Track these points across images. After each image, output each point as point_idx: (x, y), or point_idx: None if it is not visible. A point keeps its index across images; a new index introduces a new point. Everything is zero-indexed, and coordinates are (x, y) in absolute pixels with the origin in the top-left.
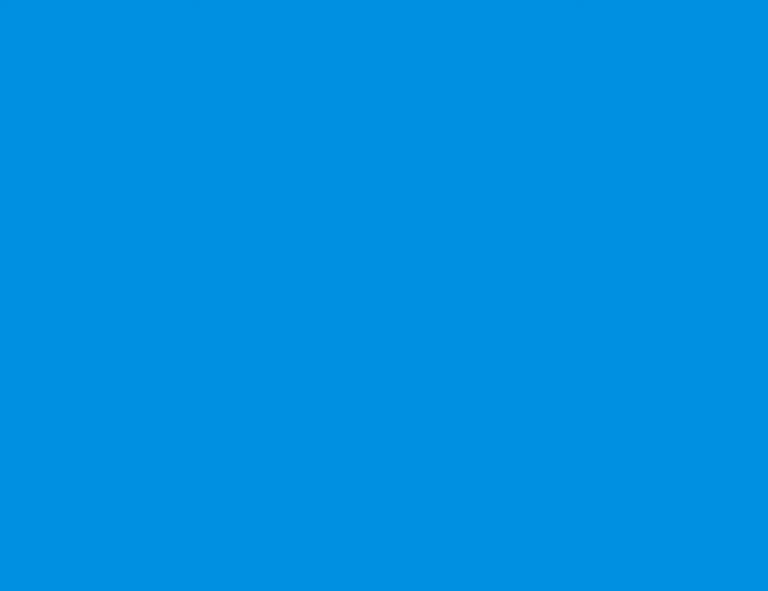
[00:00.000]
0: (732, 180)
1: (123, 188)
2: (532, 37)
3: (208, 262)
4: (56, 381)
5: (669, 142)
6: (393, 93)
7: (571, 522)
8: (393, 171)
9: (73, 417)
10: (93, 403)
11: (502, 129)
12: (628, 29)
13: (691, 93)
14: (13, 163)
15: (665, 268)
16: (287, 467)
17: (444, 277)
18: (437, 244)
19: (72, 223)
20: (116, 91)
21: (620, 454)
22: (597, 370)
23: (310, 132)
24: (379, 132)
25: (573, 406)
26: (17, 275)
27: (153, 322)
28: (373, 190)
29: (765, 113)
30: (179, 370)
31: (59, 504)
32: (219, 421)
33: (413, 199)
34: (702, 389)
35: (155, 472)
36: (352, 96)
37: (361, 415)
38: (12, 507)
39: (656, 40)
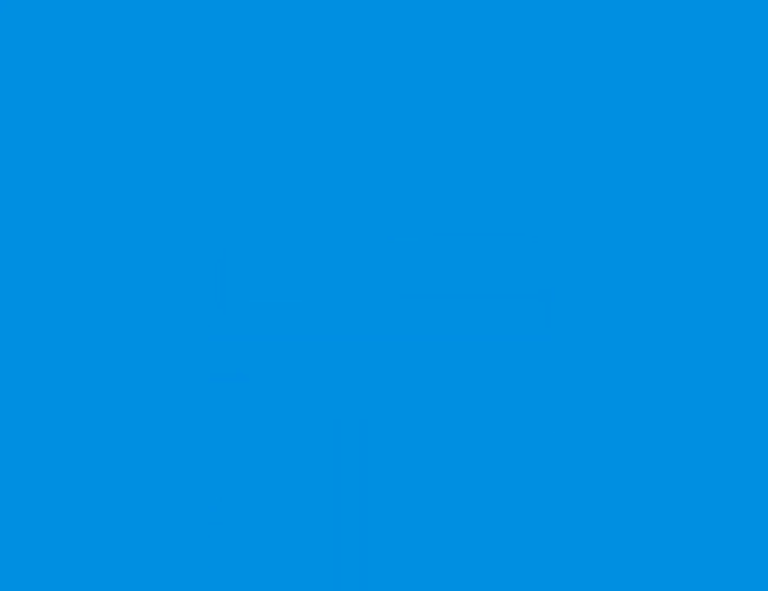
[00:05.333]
0: (732, 181)
1: (122, 187)
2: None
3: (207, 262)
4: (55, 380)
5: (669, 142)
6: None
7: (571, 523)
8: (392, 171)
9: (72, 417)
10: (92, 403)
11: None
12: (628, 29)
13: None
14: (12, 163)
15: (665, 269)
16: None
17: (443, 276)
18: (436, 243)
19: (71, 223)
20: (116, 91)
21: (620, 455)
22: (597, 370)
23: (310, 132)
24: (379, 132)
25: (573, 407)
26: (17, 275)
27: (151, 321)
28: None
29: (765, 113)
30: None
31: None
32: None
33: (412, 198)
34: (702, 389)
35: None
36: (352, 96)
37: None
38: (12, 507)
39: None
